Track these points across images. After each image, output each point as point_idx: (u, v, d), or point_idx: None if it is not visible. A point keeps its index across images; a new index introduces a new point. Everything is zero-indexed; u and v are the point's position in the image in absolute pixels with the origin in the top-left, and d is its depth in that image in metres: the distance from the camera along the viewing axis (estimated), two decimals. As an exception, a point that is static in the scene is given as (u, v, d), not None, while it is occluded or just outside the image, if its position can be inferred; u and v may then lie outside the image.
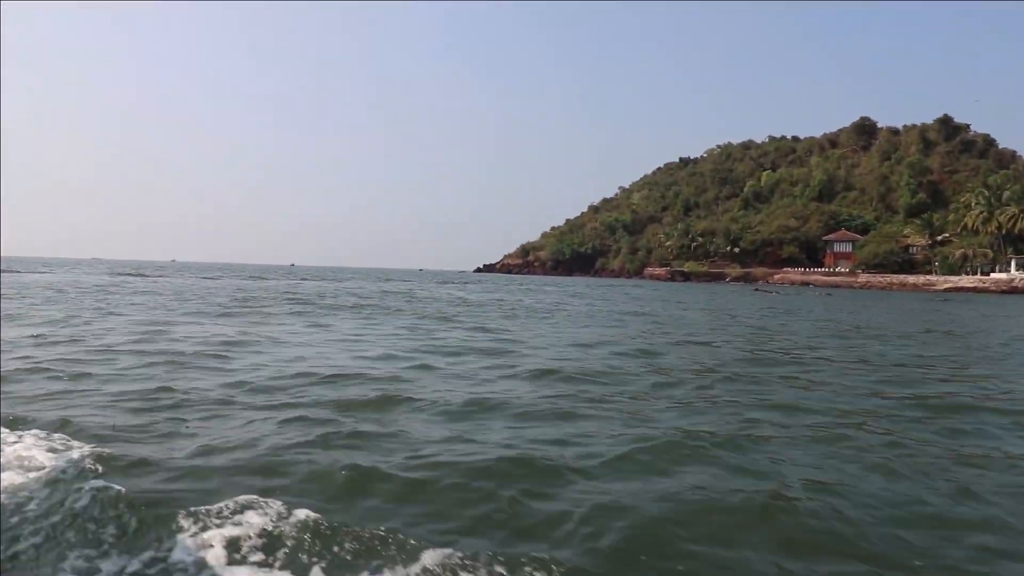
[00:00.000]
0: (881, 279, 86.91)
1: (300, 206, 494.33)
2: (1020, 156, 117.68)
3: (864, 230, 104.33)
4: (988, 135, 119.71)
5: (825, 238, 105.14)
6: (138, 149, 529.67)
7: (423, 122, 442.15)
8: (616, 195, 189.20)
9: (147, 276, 56.01)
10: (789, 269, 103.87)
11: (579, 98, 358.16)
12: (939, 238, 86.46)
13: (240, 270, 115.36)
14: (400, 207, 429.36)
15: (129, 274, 59.34)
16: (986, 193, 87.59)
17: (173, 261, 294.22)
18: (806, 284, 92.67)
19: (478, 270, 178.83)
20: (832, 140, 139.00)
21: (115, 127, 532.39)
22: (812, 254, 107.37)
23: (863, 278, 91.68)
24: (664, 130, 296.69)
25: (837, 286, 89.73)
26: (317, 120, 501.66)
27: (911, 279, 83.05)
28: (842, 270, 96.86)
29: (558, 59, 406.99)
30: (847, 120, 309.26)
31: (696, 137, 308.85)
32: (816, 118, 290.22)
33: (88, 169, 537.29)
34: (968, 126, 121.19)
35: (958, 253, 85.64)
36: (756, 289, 72.59)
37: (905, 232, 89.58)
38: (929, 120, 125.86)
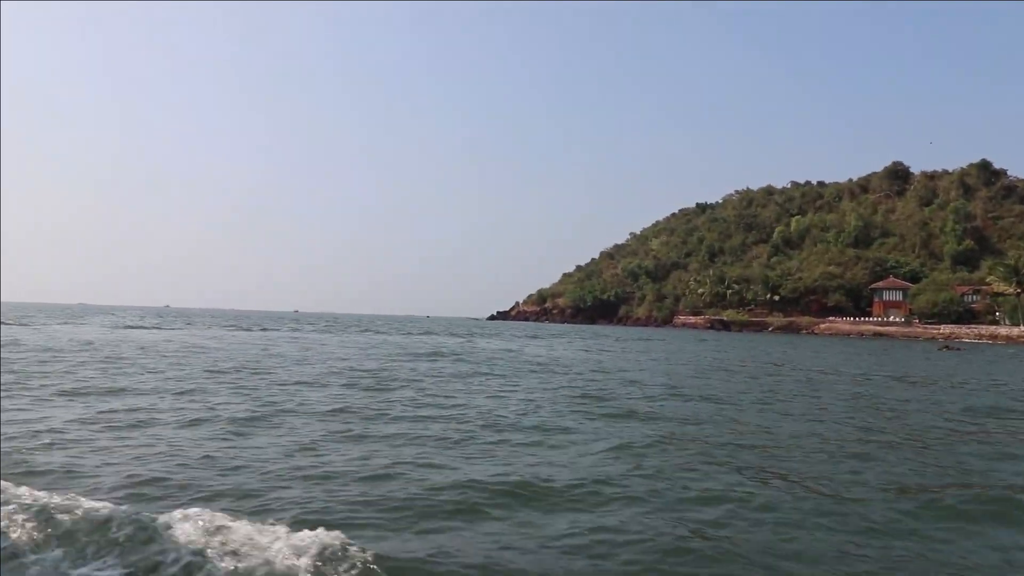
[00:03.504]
0: (967, 330, 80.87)
1: (298, 251, 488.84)
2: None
3: (913, 278, 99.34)
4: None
5: (872, 286, 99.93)
6: (122, 194, 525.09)
7: (421, 161, 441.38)
8: (628, 240, 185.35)
9: (260, 331, 49.44)
10: (835, 318, 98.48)
11: (583, 142, 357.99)
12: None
13: (247, 317, 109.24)
14: (401, 252, 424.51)
15: (234, 327, 52.37)
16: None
17: (167, 307, 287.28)
18: (862, 335, 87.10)
19: (492, 317, 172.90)
20: (863, 185, 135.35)
21: (107, 172, 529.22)
22: (856, 302, 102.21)
23: (918, 328, 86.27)
24: (672, 175, 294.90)
25: (892, 336, 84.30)
26: (314, 160, 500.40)
27: (1002, 331, 77.11)
28: (897, 319, 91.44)
29: (561, 109, 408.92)
30: (854, 164, 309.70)
31: (702, 182, 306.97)
32: (821, 164, 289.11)
33: (72, 213, 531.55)
34: (1006, 171, 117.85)
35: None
36: (945, 347, 55.12)
37: (988, 279, 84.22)
38: (950, 167, 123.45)
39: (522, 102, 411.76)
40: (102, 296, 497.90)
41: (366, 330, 56.25)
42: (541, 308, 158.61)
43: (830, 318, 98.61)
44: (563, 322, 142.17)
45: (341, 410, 11.37)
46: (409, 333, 54.11)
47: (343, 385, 15.36)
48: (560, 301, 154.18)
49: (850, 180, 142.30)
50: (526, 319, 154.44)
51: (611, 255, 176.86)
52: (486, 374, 19.56)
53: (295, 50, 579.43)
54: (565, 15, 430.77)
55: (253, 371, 17.98)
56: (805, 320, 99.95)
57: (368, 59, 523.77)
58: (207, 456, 7.64)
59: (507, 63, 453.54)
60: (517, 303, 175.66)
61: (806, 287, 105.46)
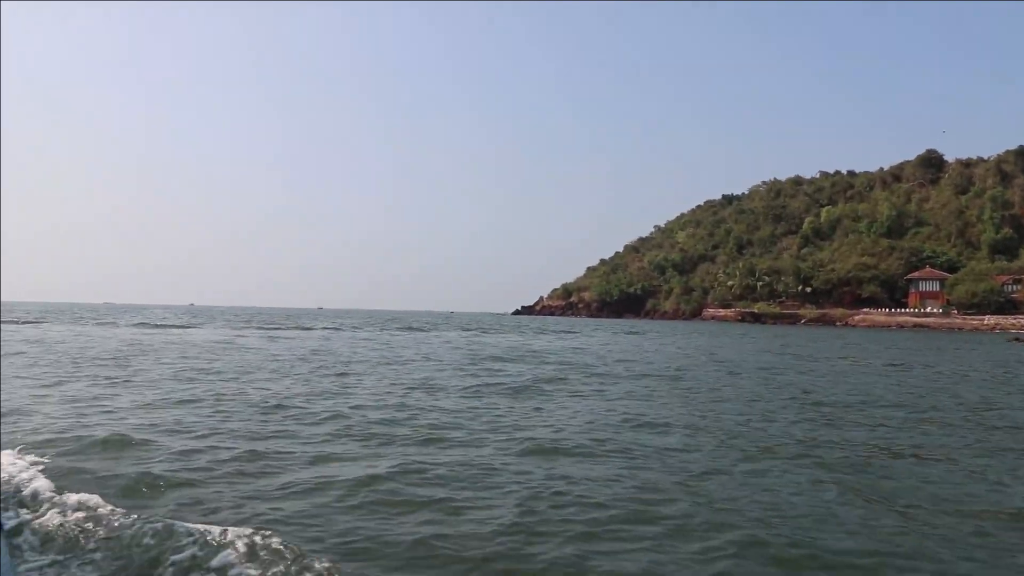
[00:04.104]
0: (1012, 320, 78.77)
1: (320, 247, 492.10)
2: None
3: (950, 268, 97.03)
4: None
5: (908, 277, 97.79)
6: (144, 195, 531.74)
7: (442, 158, 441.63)
8: (653, 233, 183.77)
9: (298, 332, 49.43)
10: (869, 310, 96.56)
11: (603, 136, 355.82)
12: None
13: (273, 315, 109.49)
14: (421, 248, 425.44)
15: (276, 328, 52.19)
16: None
17: (192, 305, 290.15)
18: (901, 326, 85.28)
19: (516, 312, 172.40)
20: (895, 174, 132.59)
21: (132, 170, 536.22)
22: (891, 293, 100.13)
23: (958, 319, 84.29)
24: (695, 167, 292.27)
25: (933, 327, 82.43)
26: (336, 159, 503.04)
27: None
28: (934, 310, 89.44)
29: (577, 102, 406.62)
30: (885, 153, 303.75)
31: (726, 174, 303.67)
32: (849, 153, 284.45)
33: (101, 212, 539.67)
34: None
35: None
36: (1015, 339, 48.92)
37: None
38: (985, 153, 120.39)
39: (542, 98, 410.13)
40: (127, 296, 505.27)
41: (409, 328, 55.26)
42: (566, 302, 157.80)
43: (864, 310, 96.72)
44: (589, 316, 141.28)
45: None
46: (464, 329, 52.42)
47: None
48: (586, 295, 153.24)
49: (881, 169, 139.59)
50: (551, 313, 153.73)
51: (636, 248, 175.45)
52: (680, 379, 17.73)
53: (316, 50, 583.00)
54: (585, 10, 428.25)
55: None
56: (839, 312, 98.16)
57: (388, 59, 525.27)
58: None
59: (527, 59, 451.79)
60: (541, 298, 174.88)
61: (839, 278, 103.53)
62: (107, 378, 14.49)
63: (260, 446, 7.82)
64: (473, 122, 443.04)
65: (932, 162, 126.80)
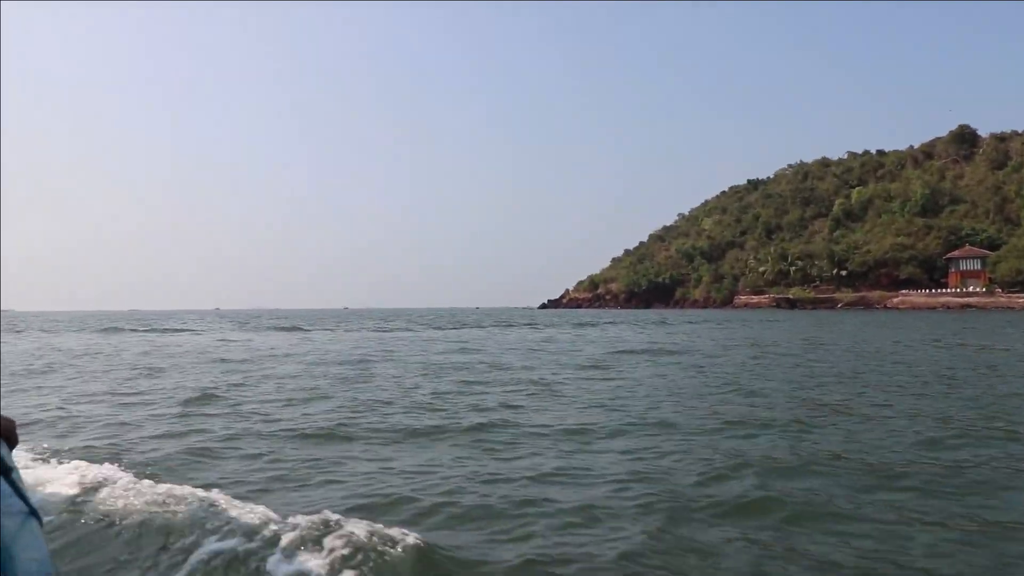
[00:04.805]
0: None
1: (339, 247, 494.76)
2: None
3: (991, 245, 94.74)
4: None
5: (947, 256, 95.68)
6: (169, 204, 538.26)
7: (459, 153, 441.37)
8: (677, 221, 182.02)
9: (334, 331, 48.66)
10: (908, 291, 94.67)
11: (622, 126, 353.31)
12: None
13: (321, 316, 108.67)
14: (442, 245, 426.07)
15: (296, 330, 50.84)
16: None
17: (217, 309, 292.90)
18: (946, 307, 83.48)
19: (543, 306, 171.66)
20: (927, 151, 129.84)
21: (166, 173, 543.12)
22: (930, 273, 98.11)
23: (1002, 298, 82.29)
24: (716, 154, 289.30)
25: (980, 307, 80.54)
26: (353, 160, 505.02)
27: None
28: (976, 290, 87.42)
29: (592, 95, 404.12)
30: (913, 131, 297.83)
31: (747, 158, 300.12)
32: (876, 133, 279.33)
33: (133, 217, 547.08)
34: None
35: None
36: None
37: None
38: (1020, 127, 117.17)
39: (559, 89, 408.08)
40: (151, 302, 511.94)
41: (449, 326, 53.84)
42: (593, 294, 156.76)
43: (903, 291, 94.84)
44: (617, 307, 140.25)
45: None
46: (509, 325, 50.47)
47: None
48: (613, 286, 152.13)
49: (911, 147, 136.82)
50: (579, 306, 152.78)
51: (661, 237, 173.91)
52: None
53: (332, 54, 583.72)
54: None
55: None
56: (876, 295, 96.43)
57: (404, 56, 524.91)
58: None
59: (543, 50, 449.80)
60: (567, 291, 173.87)
61: (875, 260, 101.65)
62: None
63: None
64: (490, 117, 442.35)
65: (965, 138, 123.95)
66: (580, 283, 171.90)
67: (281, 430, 8.33)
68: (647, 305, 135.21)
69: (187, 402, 10.85)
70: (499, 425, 8.49)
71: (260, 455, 7.02)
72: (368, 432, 8.15)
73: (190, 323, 62.01)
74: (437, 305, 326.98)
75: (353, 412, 9.69)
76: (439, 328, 45.10)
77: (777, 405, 9.94)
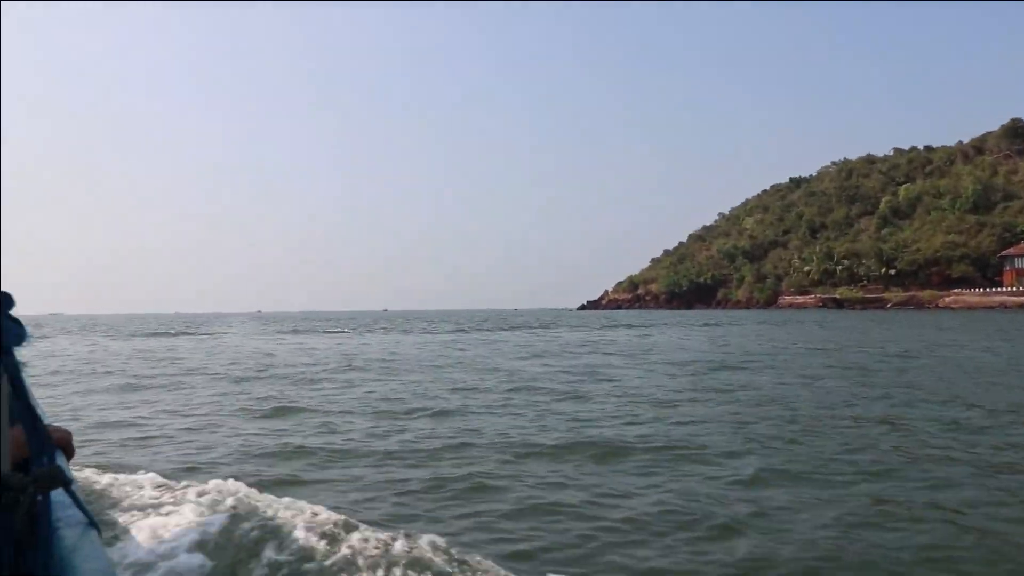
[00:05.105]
0: None
1: (377, 250, 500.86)
2: None
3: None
4: None
5: (1002, 254, 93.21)
6: (210, 212, 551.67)
7: (496, 157, 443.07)
8: (718, 221, 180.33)
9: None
10: (960, 291, 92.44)
11: (659, 128, 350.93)
12: None
13: (345, 318, 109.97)
14: (480, 247, 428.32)
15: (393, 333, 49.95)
16: None
17: (259, 312, 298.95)
18: (1005, 307, 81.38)
19: (582, 307, 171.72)
20: (977, 147, 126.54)
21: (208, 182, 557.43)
22: (983, 271, 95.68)
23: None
24: (756, 152, 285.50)
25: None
26: (387, 165, 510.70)
27: None
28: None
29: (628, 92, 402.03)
30: (962, 126, 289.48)
31: (788, 156, 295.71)
32: (923, 129, 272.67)
33: (177, 225, 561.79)
34: None
35: None
36: None
37: None
38: None
39: (596, 92, 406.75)
40: (191, 305, 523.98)
41: (526, 327, 52.33)
42: (633, 295, 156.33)
43: (955, 291, 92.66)
44: (657, 308, 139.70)
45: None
46: (577, 328, 48.77)
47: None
48: (653, 287, 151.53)
49: (960, 143, 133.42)
50: (618, 307, 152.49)
51: (701, 237, 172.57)
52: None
53: (367, 58, 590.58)
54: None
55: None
56: (927, 294, 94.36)
57: (440, 61, 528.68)
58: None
59: (581, 50, 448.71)
60: (606, 291, 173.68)
61: (925, 259, 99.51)
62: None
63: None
64: (525, 120, 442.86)
65: (1018, 131, 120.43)
66: (619, 284, 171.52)
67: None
68: (688, 306, 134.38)
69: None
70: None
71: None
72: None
73: (323, 326, 60.72)
74: (474, 307, 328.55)
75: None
76: (512, 329, 45.17)
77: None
